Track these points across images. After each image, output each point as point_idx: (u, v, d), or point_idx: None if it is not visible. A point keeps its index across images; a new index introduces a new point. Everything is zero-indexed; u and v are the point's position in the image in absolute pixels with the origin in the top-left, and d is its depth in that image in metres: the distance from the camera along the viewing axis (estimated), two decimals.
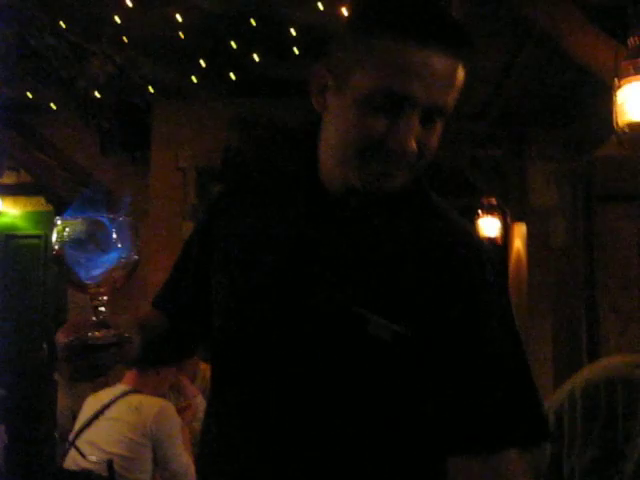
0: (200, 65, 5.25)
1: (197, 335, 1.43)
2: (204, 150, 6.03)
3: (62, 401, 4.03)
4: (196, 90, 5.74)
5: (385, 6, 1.12)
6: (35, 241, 6.91)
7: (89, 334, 1.09)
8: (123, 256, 1.13)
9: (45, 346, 6.82)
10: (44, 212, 6.68)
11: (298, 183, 1.24)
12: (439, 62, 1.09)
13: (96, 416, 3.51)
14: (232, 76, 5.48)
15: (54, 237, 1.16)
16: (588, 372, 1.50)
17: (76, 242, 1.13)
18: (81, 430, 3.50)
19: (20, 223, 6.93)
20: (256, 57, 5.11)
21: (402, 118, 1.10)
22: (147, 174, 6.31)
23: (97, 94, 5.05)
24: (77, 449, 3.35)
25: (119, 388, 3.44)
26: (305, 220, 1.20)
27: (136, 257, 1.14)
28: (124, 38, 4.66)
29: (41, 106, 6.01)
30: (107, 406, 3.51)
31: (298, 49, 5.02)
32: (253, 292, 1.19)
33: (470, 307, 1.13)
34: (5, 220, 6.88)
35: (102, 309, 1.13)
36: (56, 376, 4.08)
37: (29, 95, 5.65)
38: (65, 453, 3.42)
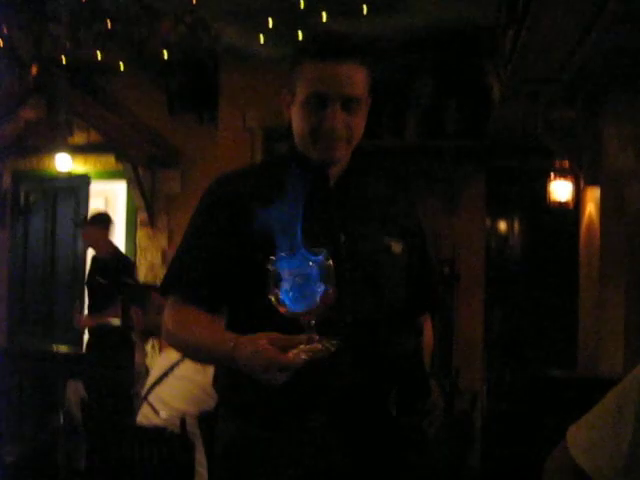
0: (268, 24, 5.21)
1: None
2: (271, 110, 5.99)
3: (138, 359, 4.13)
4: (264, 50, 5.71)
5: (305, 43, 1.84)
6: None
7: (313, 348, 1.44)
8: (327, 291, 1.44)
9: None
10: (114, 171, 6.76)
11: (303, 167, 1.75)
12: (342, 69, 1.68)
13: (166, 374, 3.57)
14: (299, 35, 5.43)
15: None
16: None
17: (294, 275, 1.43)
18: (152, 387, 3.57)
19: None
20: (324, 16, 5.05)
21: (328, 109, 1.69)
22: (215, 134, 6.35)
23: (166, 54, 5.05)
24: (150, 405, 3.42)
25: None
26: (320, 190, 1.75)
27: (333, 294, 1.45)
28: None
29: (110, 67, 6.06)
30: (176, 364, 3.57)
31: (366, 7, 4.95)
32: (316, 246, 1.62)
33: (423, 232, 1.93)
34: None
35: (312, 325, 1.45)
36: (133, 337, 4.18)
37: (99, 56, 5.68)
38: (137, 409, 3.50)
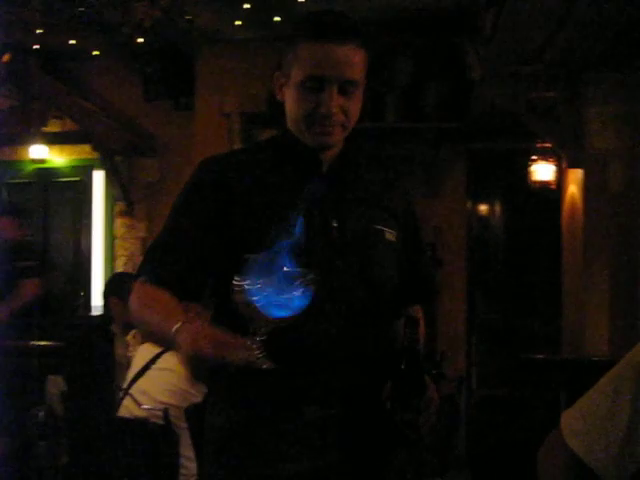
0: (244, 8, 5.13)
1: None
2: (249, 95, 5.94)
3: (118, 350, 4.06)
4: (240, 34, 5.63)
5: (302, 22, 1.68)
6: (81, 189, 6.91)
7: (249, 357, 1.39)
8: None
9: (82, 294, 6.83)
10: (90, 159, 6.66)
11: (296, 150, 1.72)
12: (340, 51, 1.62)
13: (148, 366, 3.52)
14: (276, 18, 5.35)
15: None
16: None
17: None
18: (134, 379, 3.52)
19: (66, 171, 6.92)
20: None
21: (325, 92, 1.63)
22: (192, 120, 6.27)
23: (141, 39, 4.96)
24: (132, 397, 3.37)
25: None
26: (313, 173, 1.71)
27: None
28: None
29: (84, 53, 5.96)
30: (158, 356, 3.52)
31: None
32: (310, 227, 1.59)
33: (416, 219, 1.87)
34: (51, 167, 6.87)
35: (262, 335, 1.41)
36: (113, 328, 4.11)
37: (72, 42, 5.58)
38: (119, 401, 3.45)
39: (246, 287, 1.39)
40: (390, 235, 1.74)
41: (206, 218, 1.67)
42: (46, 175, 6.90)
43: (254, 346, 1.40)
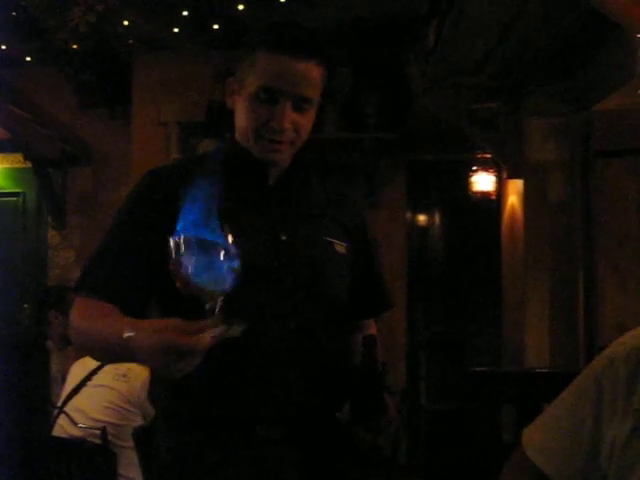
0: (182, 15, 5.05)
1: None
2: (187, 104, 5.85)
3: (54, 367, 3.93)
4: (178, 41, 5.55)
5: (263, 30, 1.65)
6: (13, 199, 6.72)
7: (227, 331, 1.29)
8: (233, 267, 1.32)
9: (26, 306, 6.63)
10: (22, 169, 6.47)
11: (240, 160, 1.68)
12: (300, 66, 1.59)
13: (83, 383, 3.42)
14: (215, 26, 5.29)
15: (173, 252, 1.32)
16: (630, 338, 1.41)
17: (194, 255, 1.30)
18: (68, 397, 3.41)
19: None
20: (240, 6, 4.93)
21: (278, 106, 1.60)
22: (128, 129, 6.14)
23: (76, 46, 4.84)
24: (67, 416, 3.27)
25: None
26: (261, 185, 1.69)
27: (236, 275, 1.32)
28: None
29: (17, 59, 5.79)
30: (94, 372, 3.42)
31: None
32: (256, 245, 1.60)
33: (368, 231, 1.86)
34: None
35: (218, 309, 1.31)
36: (49, 345, 3.98)
37: (4, 47, 5.42)
38: (54, 420, 3.34)
39: (179, 265, 1.30)
40: (340, 247, 1.71)
41: (152, 230, 1.55)
42: None
43: (218, 316, 1.31)
